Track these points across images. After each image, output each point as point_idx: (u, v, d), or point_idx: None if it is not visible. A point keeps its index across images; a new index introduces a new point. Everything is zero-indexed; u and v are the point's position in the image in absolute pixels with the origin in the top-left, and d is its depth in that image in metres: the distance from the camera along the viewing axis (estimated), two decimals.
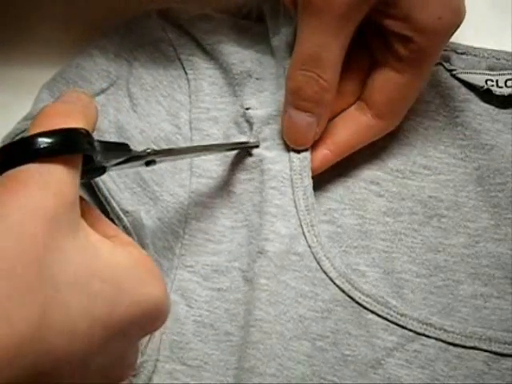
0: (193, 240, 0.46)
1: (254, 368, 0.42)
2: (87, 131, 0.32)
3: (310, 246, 0.44)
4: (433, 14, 0.41)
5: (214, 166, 0.47)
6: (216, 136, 0.48)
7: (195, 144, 0.47)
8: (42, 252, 0.29)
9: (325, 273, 0.43)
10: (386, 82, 0.44)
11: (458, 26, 0.43)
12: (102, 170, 0.35)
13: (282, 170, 0.45)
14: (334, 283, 0.43)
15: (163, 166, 0.47)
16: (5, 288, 0.27)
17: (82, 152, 0.32)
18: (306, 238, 0.44)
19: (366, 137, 0.46)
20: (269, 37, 0.49)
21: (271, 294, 0.43)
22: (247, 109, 0.47)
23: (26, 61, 0.52)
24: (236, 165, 0.47)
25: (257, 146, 0.46)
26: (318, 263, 0.44)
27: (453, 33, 0.43)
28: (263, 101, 0.48)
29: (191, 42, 0.50)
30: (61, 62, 0.51)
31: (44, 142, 0.30)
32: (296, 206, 0.45)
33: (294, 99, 0.44)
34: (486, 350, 0.42)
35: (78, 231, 0.31)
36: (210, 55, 0.49)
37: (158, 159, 0.39)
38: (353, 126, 0.46)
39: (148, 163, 0.38)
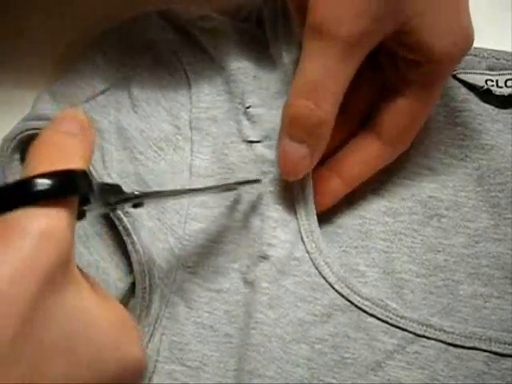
0: (193, 241, 0.46)
1: (254, 370, 0.42)
2: (85, 172, 0.31)
3: (308, 252, 0.44)
4: (447, 40, 0.40)
5: (213, 165, 0.47)
6: (215, 135, 0.48)
7: (195, 144, 0.48)
8: (30, 317, 0.27)
9: (323, 278, 0.44)
10: (395, 109, 0.43)
11: (469, 49, 0.42)
12: (83, 214, 0.34)
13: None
14: (333, 288, 0.43)
15: (163, 167, 0.47)
16: None
17: (81, 193, 0.31)
18: (304, 243, 0.44)
19: (377, 165, 0.45)
20: (268, 40, 0.49)
21: (272, 297, 0.43)
22: (248, 107, 0.47)
23: (26, 61, 0.52)
24: (236, 164, 0.47)
25: (256, 181, 0.45)
26: (317, 269, 0.44)
27: (465, 55, 0.42)
28: (264, 98, 0.48)
29: (191, 43, 0.50)
30: (61, 62, 0.51)
31: (42, 184, 0.29)
32: (295, 211, 0.45)
33: (290, 128, 0.42)
34: (485, 351, 0.42)
35: (70, 287, 0.30)
36: (210, 55, 0.49)
37: (145, 201, 0.38)
38: (362, 156, 0.44)
39: (135, 205, 0.38)
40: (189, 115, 0.48)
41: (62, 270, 0.29)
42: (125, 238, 0.45)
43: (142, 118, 0.49)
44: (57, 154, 0.31)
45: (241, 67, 0.48)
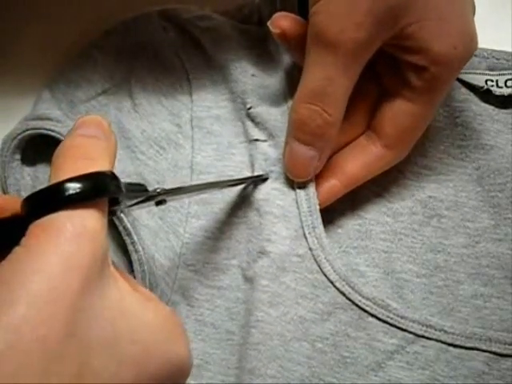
0: (193, 238, 0.46)
1: (255, 369, 0.42)
2: (113, 173, 0.31)
3: (310, 249, 0.44)
4: (449, 43, 0.40)
5: (214, 162, 0.47)
6: (218, 133, 0.48)
7: (196, 142, 0.48)
8: (73, 317, 0.27)
9: (325, 275, 0.43)
10: (397, 112, 0.43)
11: (473, 53, 0.42)
12: (113, 214, 0.34)
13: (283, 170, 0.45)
14: (334, 286, 0.43)
15: (164, 166, 0.47)
16: (38, 358, 0.26)
17: (111, 195, 0.31)
18: (307, 239, 0.44)
19: (376, 168, 0.45)
20: (267, 40, 0.49)
21: (272, 295, 0.43)
22: (249, 108, 0.47)
23: (26, 61, 0.52)
24: (239, 162, 0.47)
25: (267, 179, 0.46)
26: (319, 265, 0.44)
27: (467, 60, 0.42)
28: (264, 98, 0.48)
29: (192, 42, 0.50)
30: (62, 61, 0.51)
31: (73, 187, 0.29)
32: (298, 208, 0.45)
33: (297, 132, 0.43)
34: (486, 351, 0.42)
35: (110, 285, 0.30)
36: (210, 55, 0.49)
37: (168, 198, 0.38)
38: (363, 158, 0.45)
39: (158, 203, 0.38)
40: (190, 114, 0.48)
41: (99, 270, 0.29)
42: (125, 237, 0.44)
43: (142, 117, 0.49)
44: (82, 157, 0.31)
45: (240, 67, 0.49)
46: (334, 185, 0.45)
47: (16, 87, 0.51)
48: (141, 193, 0.36)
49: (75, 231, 0.29)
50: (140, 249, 0.44)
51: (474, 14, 0.42)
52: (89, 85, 0.49)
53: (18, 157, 0.47)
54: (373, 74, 0.44)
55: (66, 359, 0.27)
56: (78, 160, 0.31)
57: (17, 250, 0.28)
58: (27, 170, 0.48)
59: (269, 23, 0.44)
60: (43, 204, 0.29)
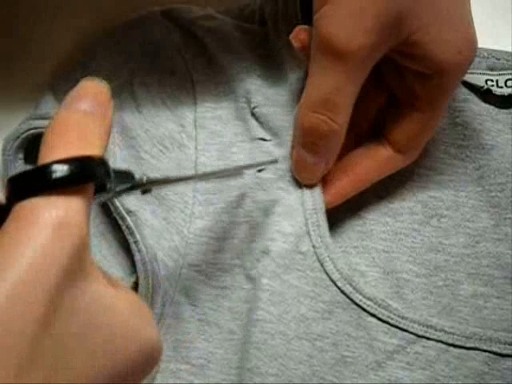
0: (197, 239, 0.46)
1: (255, 368, 0.42)
2: (103, 159, 0.30)
3: (314, 246, 0.44)
4: (453, 49, 0.41)
5: (217, 160, 0.47)
6: (221, 133, 0.48)
7: (200, 142, 0.48)
8: (51, 307, 0.27)
9: (327, 274, 0.43)
10: (405, 119, 0.44)
11: (474, 58, 0.42)
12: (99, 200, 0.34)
13: (290, 169, 0.46)
14: (336, 285, 0.43)
15: (168, 165, 0.48)
16: (13, 354, 0.26)
17: (99, 181, 0.30)
18: (310, 237, 0.44)
19: (386, 170, 0.45)
20: (270, 40, 0.49)
21: (273, 293, 0.43)
22: (254, 107, 0.47)
23: (28, 59, 0.52)
24: (241, 161, 0.47)
25: (275, 161, 0.46)
26: (321, 264, 0.44)
27: (471, 63, 0.42)
28: (268, 97, 0.48)
29: (195, 42, 0.50)
30: (64, 61, 0.51)
31: (60, 170, 0.28)
32: (303, 205, 0.45)
33: (303, 139, 0.43)
34: (486, 351, 0.42)
35: (88, 276, 0.29)
36: (213, 55, 0.49)
37: (154, 187, 0.38)
38: (373, 159, 0.45)
39: (144, 192, 0.37)
40: (193, 114, 0.48)
41: (79, 262, 0.28)
42: (128, 237, 0.45)
43: (146, 117, 0.49)
44: (74, 138, 0.30)
45: (244, 66, 0.49)
46: (344, 185, 0.45)
47: (18, 87, 0.51)
48: (128, 180, 0.35)
49: (56, 221, 0.28)
50: (143, 248, 0.44)
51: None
52: None
53: (20, 156, 0.47)
54: (378, 80, 0.44)
55: (40, 354, 0.26)
56: (69, 140, 0.30)
57: None
58: None
59: (290, 37, 0.44)
60: (27, 186, 0.28)
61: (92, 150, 0.30)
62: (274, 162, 0.46)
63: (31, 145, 0.47)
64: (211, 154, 0.48)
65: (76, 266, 0.28)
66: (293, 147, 0.45)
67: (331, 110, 0.41)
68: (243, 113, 0.48)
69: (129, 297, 0.32)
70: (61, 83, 0.49)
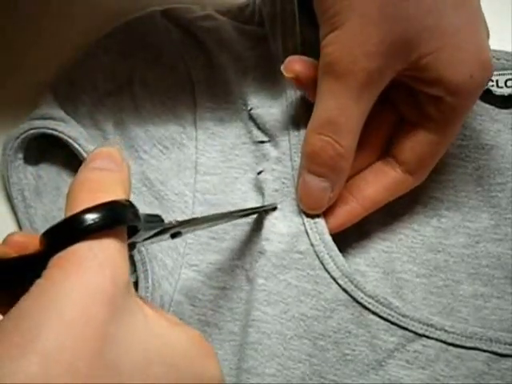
0: (197, 239, 0.46)
1: (252, 369, 0.42)
2: (130, 202, 0.31)
3: (312, 245, 0.44)
4: (464, 72, 0.40)
5: (218, 163, 0.48)
6: (223, 134, 0.48)
7: (200, 143, 0.48)
8: (103, 343, 0.27)
9: (327, 272, 0.43)
10: (416, 140, 0.43)
11: (489, 81, 0.42)
12: (133, 247, 0.35)
13: (285, 170, 0.46)
14: (337, 282, 0.43)
15: (168, 165, 0.48)
16: None
17: (129, 223, 0.31)
18: (308, 236, 0.44)
19: (396, 192, 0.45)
20: (268, 41, 0.49)
21: (269, 294, 0.43)
22: (250, 109, 0.48)
23: (30, 62, 0.52)
24: (244, 163, 0.47)
25: (275, 207, 0.45)
26: (321, 262, 0.44)
27: (484, 87, 0.42)
28: (264, 99, 0.48)
29: (195, 42, 0.50)
30: (64, 61, 0.51)
31: (91, 217, 0.29)
32: (299, 205, 0.45)
33: (310, 163, 0.43)
34: (486, 351, 0.42)
35: (135, 311, 0.30)
36: (213, 55, 0.49)
37: (183, 230, 0.38)
38: (382, 181, 0.44)
39: (173, 235, 0.38)
40: (193, 114, 0.49)
41: (123, 297, 0.29)
42: None
43: (146, 117, 0.49)
44: (97, 190, 0.31)
45: (242, 67, 0.49)
46: (354, 208, 0.44)
47: (19, 87, 0.51)
48: (157, 223, 0.35)
49: (97, 260, 0.29)
50: (143, 248, 0.44)
51: (488, 37, 0.42)
52: (92, 85, 0.49)
53: (20, 156, 0.47)
54: (388, 102, 0.44)
55: None
56: (92, 192, 0.31)
57: (39, 282, 0.28)
58: (30, 169, 0.48)
59: (282, 68, 0.44)
60: (62, 237, 0.29)
61: (116, 196, 0.31)
62: (274, 206, 0.45)
63: (31, 145, 0.47)
64: (212, 155, 0.48)
65: (121, 302, 0.29)
66: (299, 175, 0.44)
67: (336, 133, 0.41)
68: (242, 114, 0.48)
69: (186, 332, 0.33)
70: (61, 83, 0.50)
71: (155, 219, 0.35)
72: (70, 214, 0.30)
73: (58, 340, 0.26)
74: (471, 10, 0.41)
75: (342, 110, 0.40)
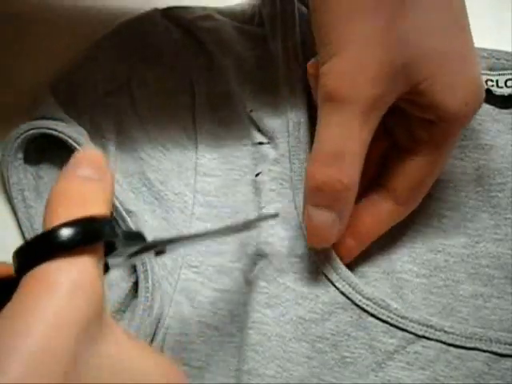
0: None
1: (253, 370, 0.42)
2: (109, 218, 0.30)
3: (310, 248, 0.44)
4: (461, 100, 0.40)
5: (218, 164, 0.48)
6: (222, 135, 0.48)
7: (201, 144, 0.48)
8: (70, 369, 0.26)
9: (324, 275, 0.43)
10: (406, 167, 0.43)
11: (480, 107, 0.41)
12: (107, 267, 0.33)
13: (283, 171, 0.46)
14: (335, 286, 0.43)
15: (168, 166, 0.48)
16: None
17: (106, 238, 0.30)
18: (305, 239, 0.44)
19: (388, 224, 0.44)
20: (268, 41, 0.49)
21: (270, 296, 0.43)
22: (250, 111, 0.48)
23: (30, 61, 0.52)
24: (244, 166, 0.47)
25: (275, 215, 0.44)
26: (318, 266, 0.44)
27: (475, 113, 0.42)
28: (264, 100, 0.48)
29: (195, 43, 0.50)
30: (64, 62, 0.51)
31: (65, 234, 0.28)
32: (296, 208, 0.45)
33: (315, 197, 0.41)
34: (486, 351, 0.42)
35: (107, 334, 0.29)
36: (213, 56, 0.49)
37: (168, 247, 0.37)
38: (375, 215, 0.44)
39: (158, 253, 0.37)
40: (193, 115, 0.49)
41: (96, 321, 0.28)
42: None
43: (146, 118, 0.49)
44: (77, 201, 0.30)
45: (242, 68, 0.49)
46: (350, 245, 0.44)
47: (19, 87, 0.51)
48: (138, 241, 0.34)
49: (69, 284, 0.27)
50: None
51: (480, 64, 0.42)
52: (92, 86, 0.49)
53: (20, 156, 0.47)
54: (382, 128, 0.43)
55: None
56: (71, 205, 0.30)
57: (8, 306, 0.27)
58: (30, 169, 0.48)
59: (309, 64, 0.43)
60: (34, 254, 0.28)
61: (95, 211, 0.30)
62: (275, 215, 0.44)
63: (31, 145, 0.47)
64: (212, 157, 0.48)
65: (93, 326, 0.28)
66: (304, 210, 0.42)
67: (340, 164, 0.39)
68: (242, 115, 0.48)
69: (159, 357, 0.32)
70: (61, 83, 0.50)
71: (135, 236, 0.34)
72: (45, 227, 0.29)
73: (20, 376, 0.25)
74: (467, 37, 0.41)
75: (346, 139, 0.39)
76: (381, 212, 0.44)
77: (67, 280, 0.27)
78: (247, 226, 0.44)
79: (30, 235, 0.47)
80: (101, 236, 0.29)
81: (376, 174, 0.45)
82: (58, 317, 0.26)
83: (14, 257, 0.29)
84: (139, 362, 0.30)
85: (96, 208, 0.30)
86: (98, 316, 0.28)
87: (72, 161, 0.32)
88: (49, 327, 0.26)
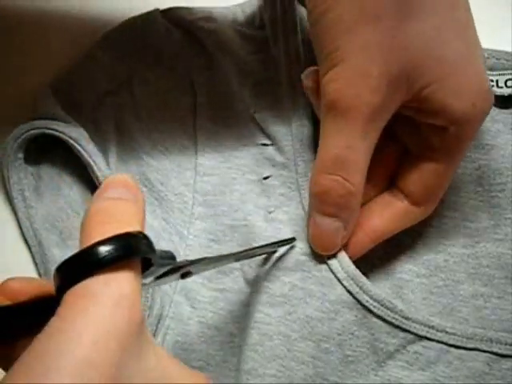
0: (197, 240, 0.46)
1: (252, 370, 0.42)
2: (145, 234, 0.31)
3: None
4: (467, 102, 0.39)
5: (218, 163, 0.48)
6: (222, 135, 0.48)
7: (201, 144, 0.48)
8: (116, 381, 0.27)
9: (333, 273, 0.43)
10: (422, 172, 0.43)
11: (491, 107, 0.41)
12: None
13: (290, 175, 0.46)
14: (342, 284, 0.43)
15: (168, 166, 0.48)
16: None
17: (143, 254, 0.30)
18: None
19: (404, 223, 0.44)
20: (269, 44, 0.49)
21: (272, 296, 0.43)
22: (254, 112, 0.48)
23: (30, 61, 0.52)
24: (242, 165, 0.47)
25: (293, 239, 0.44)
26: (327, 263, 0.43)
27: (487, 115, 0.41)
28: (267, 102, 0.48)
29: (196, 44, 0.50)
30: (66, 62, 0.51)
31: (105, 250, 0.28)
32: (303, 209, 0.45)
33: (319, 204, 0.42)
34: (486, 351, 0.42)
35: (148, 350, 0.29)
36: (213, 57, 0.49)
37: (194, 270, 0.38)
38: (390, 213, 0.44)
39: (184, 275, 0.37)
40: (194, 115, 0.49)
41: (137, 334, 0.28)
42: None
43: (146, 118, 0.49)
44: (110, 221, 0.30)
45: (242, 70, 0.49)
46: (362, 240, 0.44)
47: (19, 87, 0.51)
48: (169, 260, 0.34)
49: (112, 297, 0.28)
50: None
51: (484, 65, 0.42)
52: (92, 86, 0.49)
53: (20, 156, 0.47)
54: (392, 134, 0.43)
55: None
56: (106, 224, 0.30)
57: (53, 320, 0.28)
58: (30, 169, 0.48)
59: (303, 76, 0.43)
60: (76, 271, 0.28)
61: (129, 228, 0.30)
62: (293, 240, 0.44)
63: (31, 145, 0.47)
64: (212, 156, 0.48)
65: (135, 339, 0.28)
66: (309, 217, 0.43)
67: (345, 171, 0.40)
68: (243, 116, 0.48)
69: (196, 374, 0.32)
70: (61, 83, 0.50)
71: (167, 255, 0.34)
72: (83, 246, 0.29)
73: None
74: (471, 38, 0.40)
75: (350, 146, 0.39)
76: (396, 211, 0.44)
77: (108, 295, 0.28)
78: (268, 248, 0.44)
79: (30, 235, 0.47)
80: (138, 251, 0.30)
81: (390, 181, 0.45)
82: (103, 329, 0.27)
83: (55, 274, 0.29)
84: (178, 376, 0.31)
85: (130, 226, 0.30)
86: (139, 329, 0.29)
87: (103, 184, 0.33)
88: (94, 340, 0.27)
